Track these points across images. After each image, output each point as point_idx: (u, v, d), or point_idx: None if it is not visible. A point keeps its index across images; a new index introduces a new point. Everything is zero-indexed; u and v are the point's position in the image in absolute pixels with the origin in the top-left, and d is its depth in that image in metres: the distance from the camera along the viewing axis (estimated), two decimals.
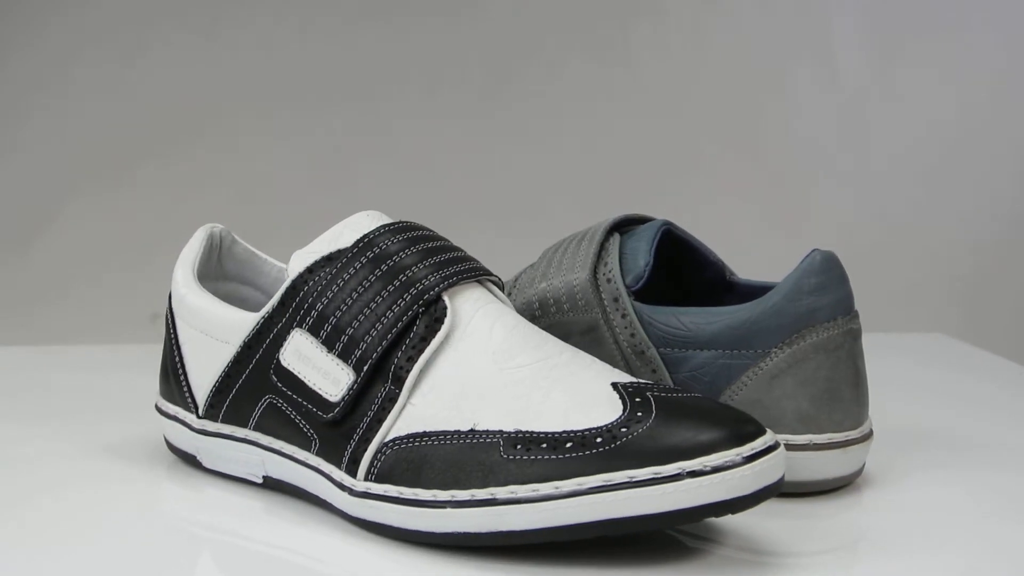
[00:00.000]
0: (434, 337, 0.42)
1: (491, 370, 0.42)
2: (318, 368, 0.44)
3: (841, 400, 0.45)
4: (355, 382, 0.42)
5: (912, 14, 1.16)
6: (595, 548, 0.39)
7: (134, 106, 1.28)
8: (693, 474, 0.36)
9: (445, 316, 0.43)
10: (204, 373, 0.49)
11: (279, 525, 0.44)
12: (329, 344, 0.44)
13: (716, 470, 0.36)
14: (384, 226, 0.46)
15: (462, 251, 0.47)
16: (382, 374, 0.43)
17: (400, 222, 0.47)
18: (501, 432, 0.39)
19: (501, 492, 0.38)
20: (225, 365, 0.47)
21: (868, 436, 0.47)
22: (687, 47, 1.21)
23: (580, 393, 0.40)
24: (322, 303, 0.44)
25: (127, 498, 0.48)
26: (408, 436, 0.41)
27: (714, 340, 0.46)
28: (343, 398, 0.43)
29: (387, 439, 0.41)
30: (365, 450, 0.42)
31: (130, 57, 1.29)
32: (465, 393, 0.41)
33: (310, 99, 1.28)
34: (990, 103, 1.16)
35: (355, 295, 0.44)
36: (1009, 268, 1.14)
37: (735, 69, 1.20)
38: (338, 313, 0.44)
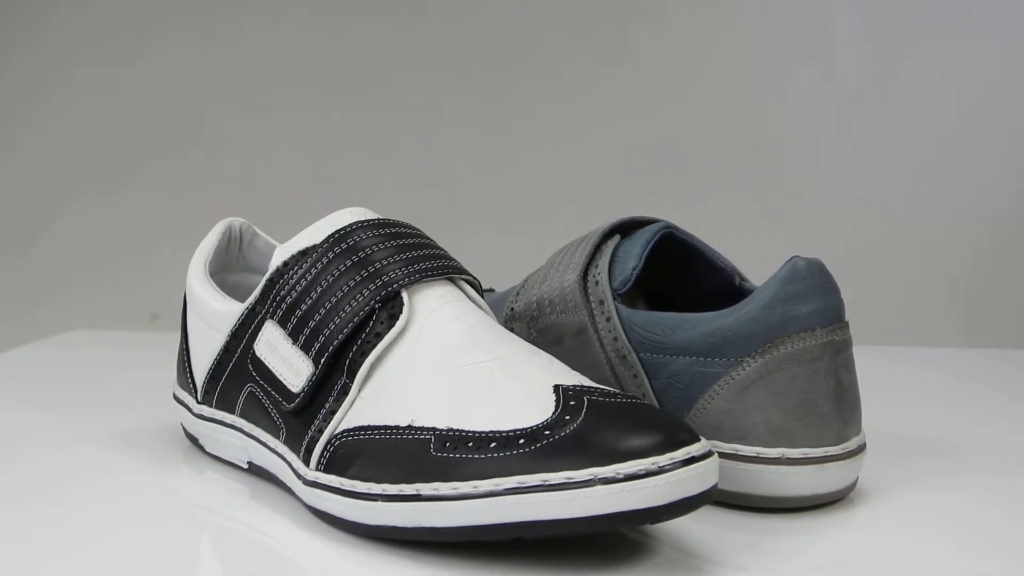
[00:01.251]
0: (388, 332, 0.43)
1: (439, 368, 0.42)
2: (284, 359, 0.45)
3: (818, 414, 0.43)
4: (314, 373, 0.43)
5: (912, 14, 1.16)
6: (552, 551, 0.39)
7: (134, 106, 1.29)
8: (605, 481, 0.35)
9: (401, 312, 0.43)
10: (202, 360, 0.50)
11: (255, 509, 0.45)
12: (294, 336, 0.44)
13: (629, 478, 0.35)
14: (359, 221, 0.46)
15: (439, 249, 0.47)
16: (339, 367, 0.43)
17: (378, 218, 0.47)
18: (434, 429, 0.39)
19: (426, 489, 0.38)
20: (216, 353, 0.49)
21: (854, 453, 0.44)
22: (687, 47, 1.21)
23: (517, 394, 0.39)
24: (292, 296, 0.45)
25: (137, 479, 0.49)
26: (355, 429, 0.41)
27: (688, 347, 0.44)
28: (303, 389, 0.43)
29: (337, 431, 0.42)
30: (318, 440, 0.42)
31: (130, 57, 1.29)
32: (410, 389, 0.41)
33: (310, 99, 1.28)
34: (990, 103, 1.16)
35: (320, 288, 0.44)
36: (1010, 268, 1.14)
37: (735, 69, 1.20)
38: (304, 306, 0.44)
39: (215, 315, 0.49)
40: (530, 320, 0.51)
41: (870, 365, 0.72)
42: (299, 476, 0.43)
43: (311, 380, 0.43)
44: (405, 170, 1.24)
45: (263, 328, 0.46)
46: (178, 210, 1.25)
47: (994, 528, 0.44)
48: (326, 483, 0.41)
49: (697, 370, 0.44)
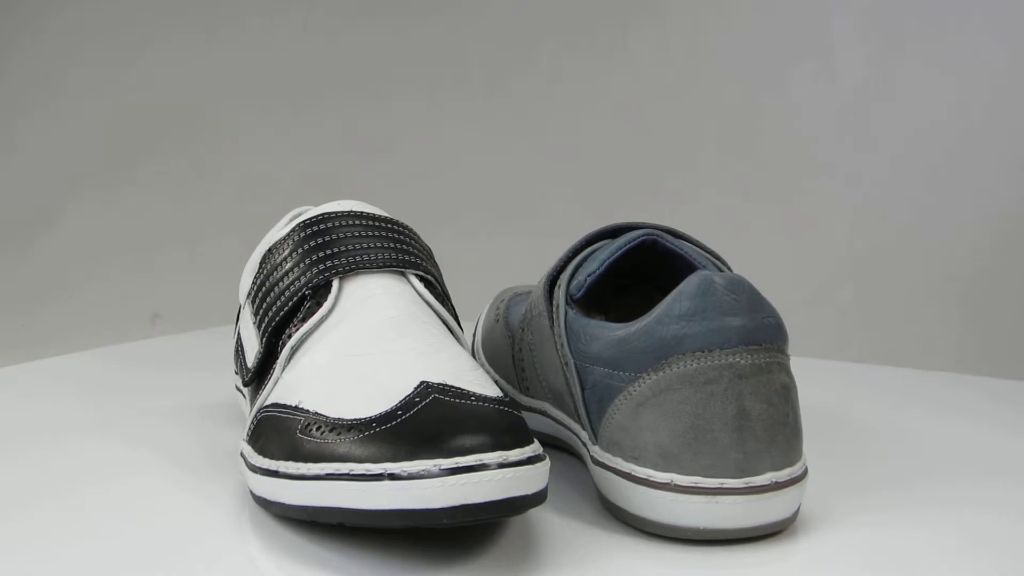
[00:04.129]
0: (311, 317, 0.45)
1: (337, 355, 0.43)
2: (249, 336, 0.49)
3: (712, 442, 0.39)
4: (259, 352, 0.47)
5: (912, 13, 1.16)
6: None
7: (134, 106, 1.29)
8: (393, 477, 0.36)
9: (326, 299, 0.46)
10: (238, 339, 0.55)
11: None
12: (255, 315, 0.48)
13: (412, 477, 0.35)
14: (333, 212, 0.48)
15: (403, 243, 0.48)
16: (277, 346, 0.46)
17: (351, 210, 0.49)
18: (306, 412, 0.41)
19: (283, 467, 0.39)
20: (237, 330, 0.53)
21: (764, 490, 0.39)
22: (687, 47, 1.21)
23: (381, 386, 0.40)
24: (261, 277, 0.49)
25: (196, 445, 0.54)
26: (269, 405, 0.44)
27: (599, 357, 0.43)
28: (253, 365, 0.47)
29: (262, 406, 0.44)
30: (251, 413, 0.45)
31: (130, 57, 1.29)
32: (310, 372, 0.43)
33: (310, 98, 1.28)
34: (990, 103, 1.16)
35: (277, 272, 0.48)
36: (1011, 268, 1.14)
37: (735, 69, 1.20)
38: (264, 287, 0.48)
39: (244, 295, 0.53)
40: (527, 322, 0.51)
41: (850, 382, 0.70)
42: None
43: (257, 357, 0.47)
44: (405, 170, 1.25)
45: (245, 307, 0.49)
46: (178, 210, 1.25)
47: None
48: (244, 453, 0.44)
49: (606, 382, 0.42)
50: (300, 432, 0.40)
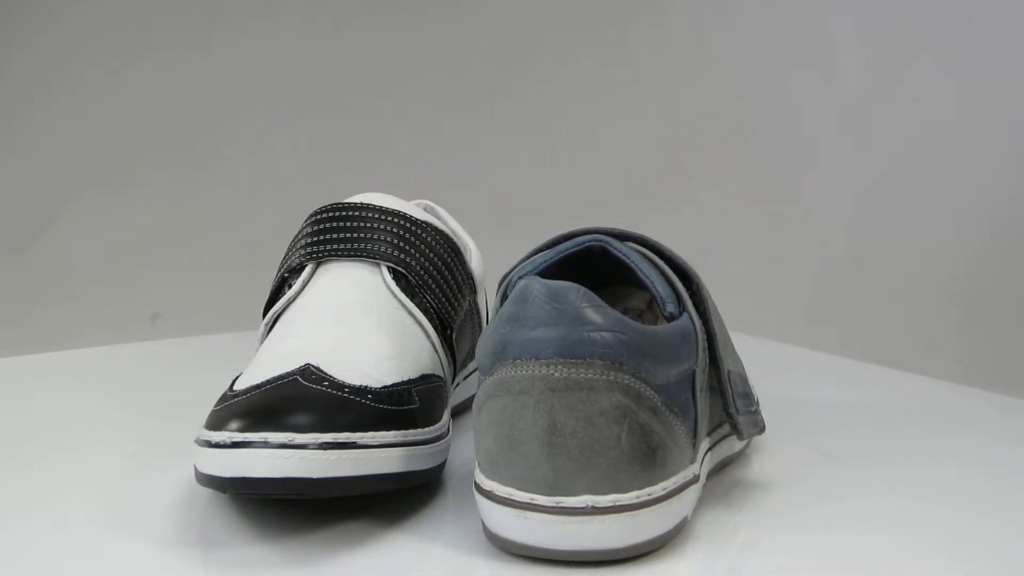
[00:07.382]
0: (281, 300, 0.49)
1: (283, 334, 0.46)
2: None
3: (524, 455, 0.37)
4: (260, 328, 0.50)
5: (912, 14, 1.16)
6: None
7: (134, 106, 1.29)
8: (209, 444, 0.39)
9: (295, 283, 0.49)
10: None
11: None
12: None
13: (215, 446, 0.38)
14: (341, 204, 0.51)
15: (399, 235, 0.50)
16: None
17: (361, 202, 0.51)
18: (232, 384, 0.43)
19: (202, 433, 0.41)
20: None
21: (578, 512, 0.37)
22: (687, 47, 1.21)
23: (279, 365, 0.42)
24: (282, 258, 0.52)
25: None
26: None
27: (475, 357, 0.42)
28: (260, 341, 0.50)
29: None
30: None
31: (130, 57, 1.29)
32: (260, 349, 0.46)
33: (310, 99, 1.28)
34: (990, 103, 1.16)
35: (285, 256, 0.51)
36: (1010, 269, 1.14)
37: (735, 69, 1.20)
38: (279, 268, 0.51)
39: None
40: None
41: (849, 382, 0.69)
42: None
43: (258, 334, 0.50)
44: (405, 170, 1.24)
45: None
46: (178, 210, 1.25)
47: None
48: None
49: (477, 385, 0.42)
50: (217, 401, 0.42)
